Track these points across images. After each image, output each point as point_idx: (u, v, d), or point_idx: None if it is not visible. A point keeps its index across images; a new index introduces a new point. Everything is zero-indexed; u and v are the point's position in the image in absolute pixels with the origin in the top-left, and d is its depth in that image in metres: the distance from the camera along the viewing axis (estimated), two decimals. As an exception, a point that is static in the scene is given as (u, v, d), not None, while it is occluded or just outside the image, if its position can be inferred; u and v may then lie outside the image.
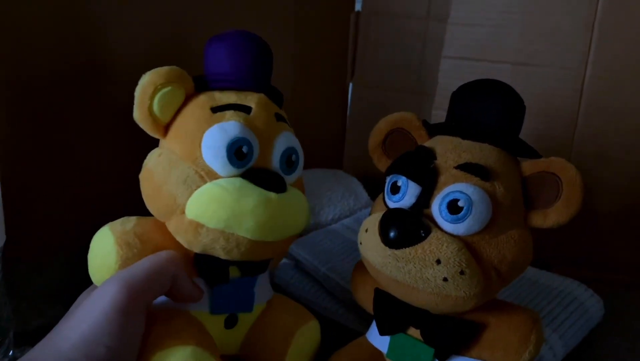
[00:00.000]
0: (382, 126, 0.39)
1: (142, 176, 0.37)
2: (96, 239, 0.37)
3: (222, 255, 0.35)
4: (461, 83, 0.37)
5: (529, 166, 0.34)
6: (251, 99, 0.37)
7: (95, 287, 0.35)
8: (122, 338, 0.30)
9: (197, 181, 0.34)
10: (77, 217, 0.51)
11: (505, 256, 0.32)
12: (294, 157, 0.38)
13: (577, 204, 0.32)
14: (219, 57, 0.38)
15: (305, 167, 0.71)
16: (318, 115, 0.78)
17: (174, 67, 0.36)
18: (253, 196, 0.33)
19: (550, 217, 0.33)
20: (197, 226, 0.34)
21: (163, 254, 0.35)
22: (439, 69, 0.67)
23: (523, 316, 0.34)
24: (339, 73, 0.80)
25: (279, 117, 0.38)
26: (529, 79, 0.61)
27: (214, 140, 0.34)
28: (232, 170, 0.34)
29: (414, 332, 0.36)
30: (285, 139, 0.37)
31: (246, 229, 0.34)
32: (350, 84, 0.80)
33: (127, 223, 0.37)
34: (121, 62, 0.52)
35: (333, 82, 0.80)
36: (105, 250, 0.36)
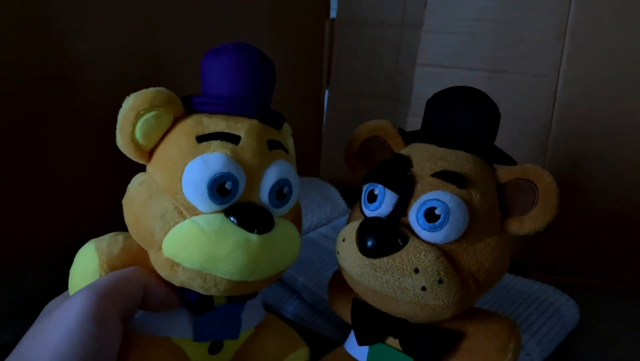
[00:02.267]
0: (358, 134, 0.39)
1: (124, 202, 0.35)
2: (81, 257, 0.35)
3: (201, 291, 0.33)
4: (436, 90, 0.37)
5: (504, 173, 0.34)
6: (241, 127, 0.34)
7: (64, 298, 0.34)
8: (96, 349, 0.29)
9: (175, 217, 0.32)
10: (46, 231, 0.50)
11: (483, 264, 0.32)
12: (285, 189, 0.34)
13: (553, 211, 0.32)
14: (214, 75, 0.35)
15: (281, 175, 0.71)
16: (294, 122, 0.78)
17: (161, 89, 0.33)
18: (231, 238, 0.31)
19: (526, 224, 0.33)
20: (173, 264, 0.32)
21: (132, 268, 0.34)
22: (414, 77, 0.67)
23: (501, 325, 0.34)
24: (315, 81, 0.80)
25: (272, 145, 0.35)
26: (504, 86, 0.62)
27: (195, 174, 0.32)
28: (213, 207, 0.32)
29: (393, 342, 0.36)
30: (277, 171, 0.34)
31: (223, 272, 0.31)
32: (326, 92, 0.80)
33: (114, 246, 0.34)
34: (91, 75, 0.51)
35: (308, 90, 0.80)
36: (89, 271, 0.34)
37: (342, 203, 0.69)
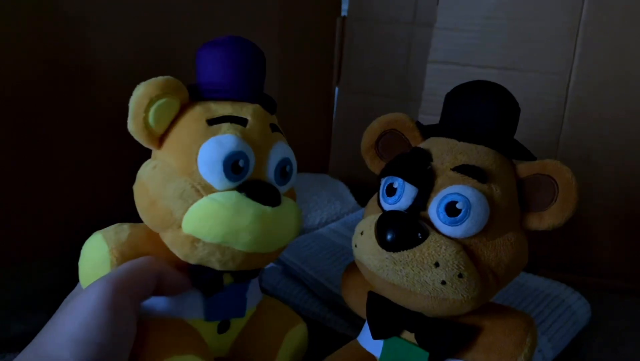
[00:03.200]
0: (376, 126, 0.39)
1: (136, 188, 0.36)
2: (89, 247, 0.36)
3: (217, 267, 0.35)
4: (447, 88, 0.37)
5: (524, 169, 0.34)
6: (247, 111, 0.36)
7: (80, 289, 0.35)
8: (112, 335, 0.29)
9: (194, 195, 0.34)
10: (58, 223, 0.50)
11: (502, 259, 0.32)
12: (288, 168, 0.37)
13: (573, 207, 0.32)
14: (214, 66, 0.37)
15: (292, 171, 0.71)
16: (304, 120, 0.78)
17: (169, 77, 0.35)
18: (249, 211, 0.33)
19: (546, 219, 0.33)
20: (193, 241, 0.34)
21: (145, 258, 0.35)
22: (424, 74, 0.67)
23: (518, 320, 0.34)
24: (325, 78, 0.80)
25: (274, 128, 0.38)
26: (515, 83, 0.61)
27: (211, 154, 0.34)
28: (228, 184, 0.34)
29: (408, 336, 0.36)
30: (280, 150, 0.37)
31: (242, 244, 0.34)
32: (336, 89, 0.80)
33: (121, 233, 0.36)
34: (105, 65, 0.51)
35: (319, 88, 0.80)
36: (98, 259, 0.35)
37: (351, 200, 0.70)
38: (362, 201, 0.69)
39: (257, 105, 0.37)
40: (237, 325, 0.40)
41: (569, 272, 0.61)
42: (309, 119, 0.79)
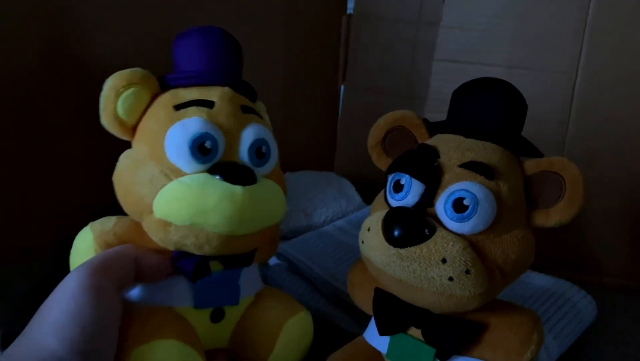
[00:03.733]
0: (382, 123, 0.39)
1: (114, 178, 0.37)
2: (78, 238, 0.37)
3: (194, 251, 0.35)
4: (453, 86, 0.37)
5: (531, 165, 0.34)
6: (214, 93, 0.37)
7: None
8: (95, 316, 0.30)
9: (163, 180, 0.34)
10: (61, 220, 0.50)
11: (509, 255, 0.32)
12: (264, 148, 0.37)
13: (580, 204, 0.32)
14: (184, 54, 0.38)
15: (297, 169, 0.71)
16: (309, 118, 0.78)
17: (137, 69, 0.36)
18: (216, 191, 0.33)
19: (553, 216, 0.33)
20: (165, 224, 0.34)
21: (121, 245, 0.36)
22: (430, 73, 0.67)
23: (524, 317, 0.34)
24: (330, 76, 0.80)
25: (246, 110, 0.38)
26: (521, 82, 0.61)
27: (176, 137, 0.34)
28: (197, 166, 0.34)
29: (415, 332, 0.36)
30: (253, 131, 0.37)
31: (213, 225, 0.34)
32: (342, 87, 0.80)
33: (107, 223, 0.37)
34: (106, 61, 0.51)
35: (324, 85, 0.80)
36: (84, 247, 0.36)
37: (357, 197, 0.70)
38: (368, 199, 0.69)
39: (226, 88, 0.38)
40: (233, 314, 0.39)
41: (574, 271, 0.61)
42: (314, 117, 0.79)
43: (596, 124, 0.60)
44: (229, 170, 0.34)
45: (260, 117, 0.39)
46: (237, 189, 0.34)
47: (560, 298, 0.50)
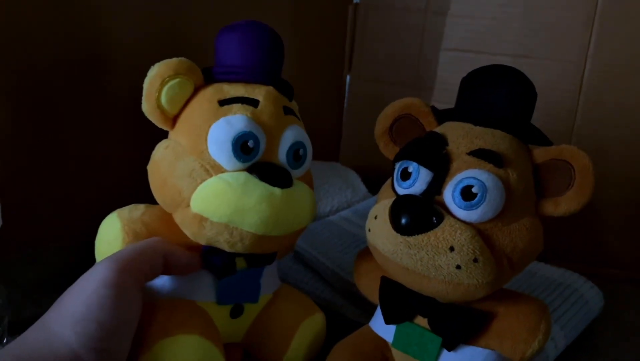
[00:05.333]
0: (390, 111, 0.39)
1: (150, 168, 0.37)
2: (104, 225, 0.37)
3: (226, 248, 0.35)
4: (460, 76, 0.37)
5: (540, 154, 0.34)
6: (259, 92, 0.36)
7: None
8: (114, 314, 0.29)
9: (202, 174, 0.34)
10: (71, 208, 0.51)
11: (518, 244, 0.32)
12: (301, 151, 0.37)
13: (589, 192, 0.32)
14: (229, 48, 0.37)
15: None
16: (315, 108, 0.77)
17: (183, 59, 0.36)
18: (256, 191, 0.33)
19: (562, 205, 0.33)
20: (201, 220, 0.34)
21: (152, 238, 0.35)
22: (437, 63, 0.66)
23: (532, 306, 0.34)
24: (337, 66, 0.79)
25: (287, 111, 0.37)
26: (529, 72, 0.60)
27: (220, 134, 0.34)
28: (237, 164, 0.34)
29: (421, 321, 0.36)
30: (293, 133, 0.37)
31: (249, 225, 0.33)
32: (348, 77, 0.80)
33: (136, 211, 0.37)
34: (121, 52, 0.51)
35: (330, 75, 0.80)
36: (112, 236, 0.36)
37: (362, 188, 0.69)
38: (373, 189, 0.69)
39: (271, 87, 0.37)
40: (252, 310, 0.40)
41: (581, 263, 0.61)
42: (320, 107, 0.79)
43: (605, 113, 0.59)
44: (268, 171, 0.34)
45: (299, 118, 0.39)
46: (276, 191, 0.34)
47: (567, 288, 0.49)
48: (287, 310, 0.40)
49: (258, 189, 0.33)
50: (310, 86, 0.76)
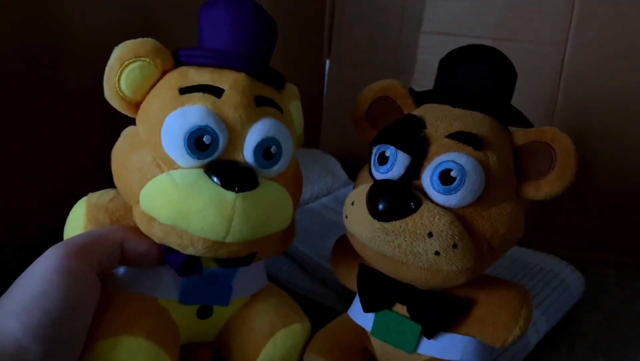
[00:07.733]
0: (367, 94, 0.38)
1: (112, 155, 0.34)
2: (73, 210, 0.35)
3: (179, 250, 0.32)
4: (440, 59, 0.35)
5: (521, 136, 0.33)
6: (226, 80, 0.32)
7: None
8: (62, 301, 0.28)
9: (153, 169, 0.31)
10: (40, 201, 0.49)
11: (498, 229, 0.31)
12: (273, 149, 0.33)
13: (571, 175, 0.31)
14: (204, 27, 0.34)
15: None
16: (294, 93, 0.77)
17: (148, 39, 0.32)
18: (204, 194, 0.30)
19: (543, 188, 0.32)
20: (149, 218, 0.31)
21: (112, 226, 0.33)
22: (417, 46, 0.65)
23: (513, 292, 0.34)
24: (316, 50, 0.78)
25: (261, 102, 0.33)
26: (510, 54, 0.60)
27: (173, 126, 0.31)
28: (191, 161, 0.31)
29: (400, 309, 0.35)
30: (263, 128, 0.32)
31: (196, 230, 0.30)
32: (327, 62, 0.78)
33: (104, 196, 0.34)
34: (83, 35, 0.49)
35: (309, 60, 0.78)
36: (75, 222, 0.34)
37: (342, 174, 0.69)
38: (354, 176, 0.67)
39: (242, 74, 0.33)
40: (222, 313, 0.37)
41: (563, 247, 0.60)
42: (300, 92, 0.78)
43: (586, 96, 0.59)
44: (225, 171, 0.31)
45: (280, 110, 0.34)
46: (228, 195, 0.30)
47: (548, 273, 0.49)
48: (262, 317, 0.37)
49: (207, 192, 0.30)
50: (288, 72, 0.74)
